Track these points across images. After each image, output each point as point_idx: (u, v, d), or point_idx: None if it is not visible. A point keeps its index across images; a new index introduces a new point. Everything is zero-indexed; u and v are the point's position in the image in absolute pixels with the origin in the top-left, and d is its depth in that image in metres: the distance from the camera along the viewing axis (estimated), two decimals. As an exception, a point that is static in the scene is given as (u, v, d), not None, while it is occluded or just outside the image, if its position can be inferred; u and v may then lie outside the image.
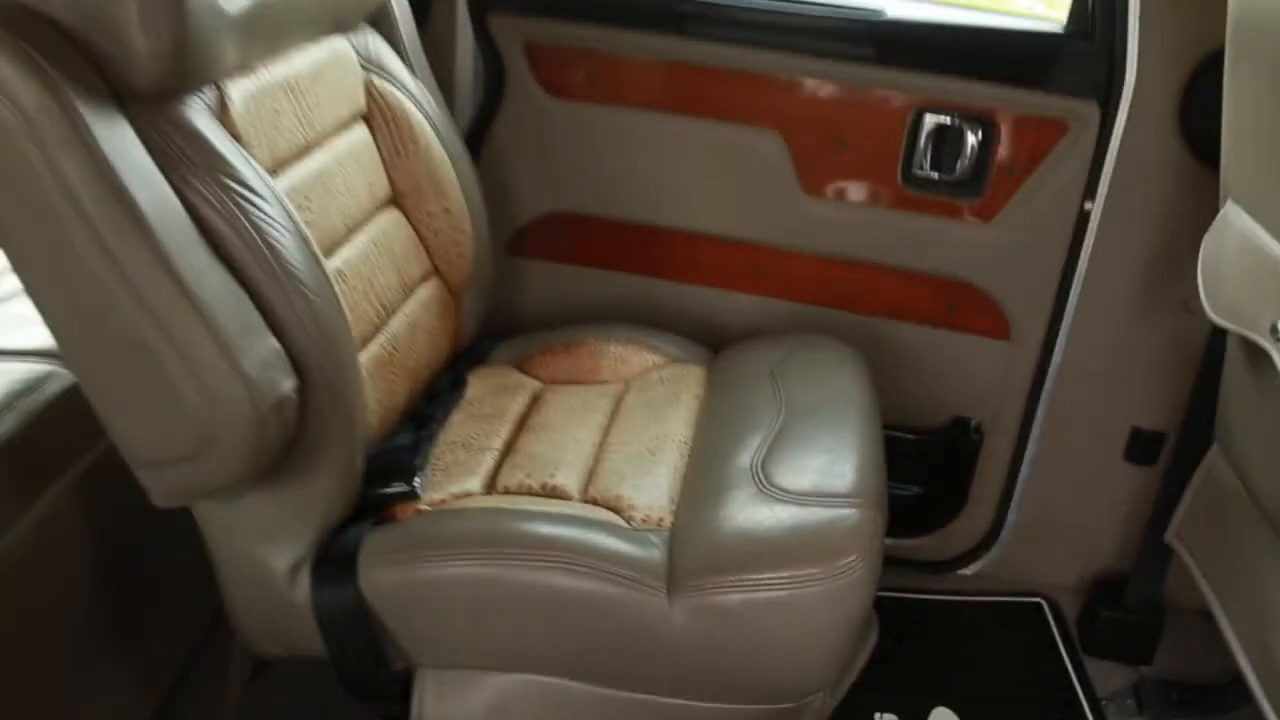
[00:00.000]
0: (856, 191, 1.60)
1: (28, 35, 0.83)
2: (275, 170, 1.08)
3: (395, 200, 1.34)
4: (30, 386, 1.15)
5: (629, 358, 1.46)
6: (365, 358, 1.17)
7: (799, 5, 1.54)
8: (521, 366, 1.47)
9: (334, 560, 1.08)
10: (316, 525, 1.07)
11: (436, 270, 1.39)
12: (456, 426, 1.29)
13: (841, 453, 1.19)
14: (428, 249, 1.37)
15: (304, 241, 1.00)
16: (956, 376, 1.68)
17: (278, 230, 0.97)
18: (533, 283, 1.75)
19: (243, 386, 0.91)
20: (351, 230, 1.21)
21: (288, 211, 1.00)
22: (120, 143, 0.87)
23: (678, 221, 1.67)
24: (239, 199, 0.95)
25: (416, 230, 1.36)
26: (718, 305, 1.70)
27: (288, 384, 0.96)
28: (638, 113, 1.61)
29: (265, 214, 0.96)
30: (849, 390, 1.34)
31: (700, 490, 1.16)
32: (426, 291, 1.35)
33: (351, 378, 1.06)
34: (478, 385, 1.39)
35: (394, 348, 1.24)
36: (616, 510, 1.14)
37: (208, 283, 0.90)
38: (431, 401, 1.32)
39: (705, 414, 1.33)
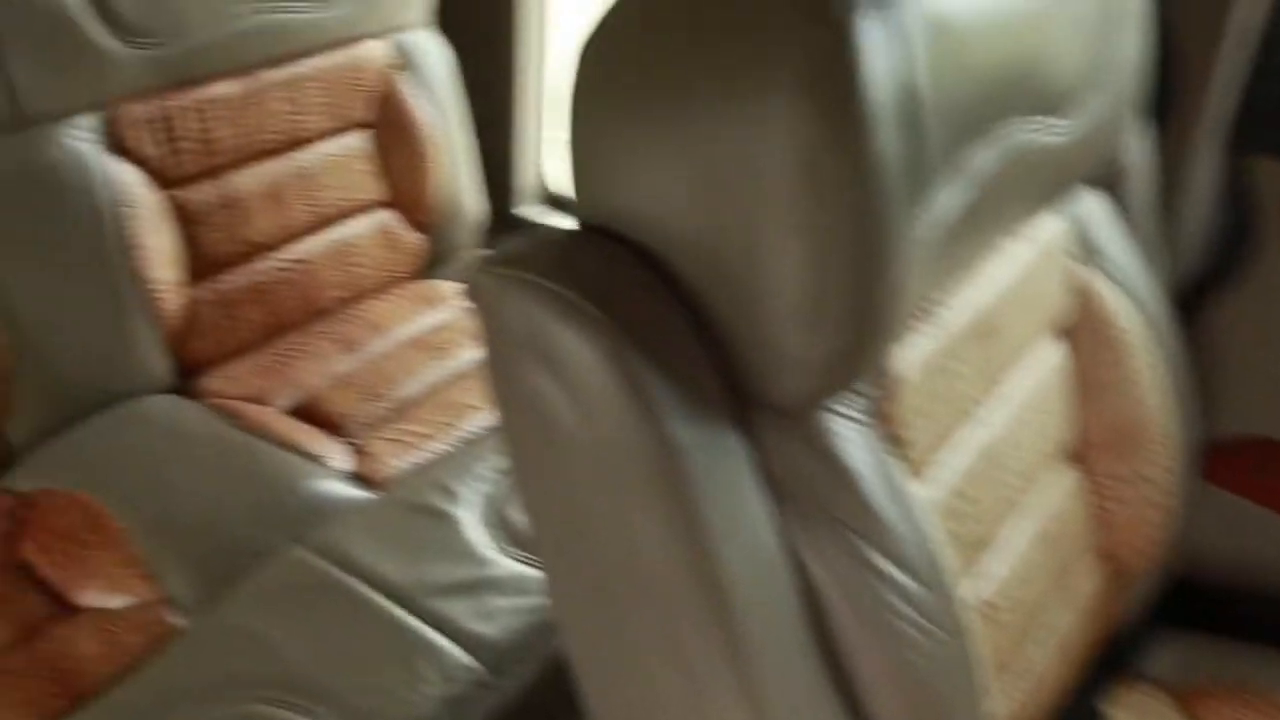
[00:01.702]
0: None
1: (627, 324, 0.55)
2: (928, 457, 0.72)
3: (1074, 455, 0.92)
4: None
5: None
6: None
7: None
8: (1184, 705, 0.99)
9: None
10: None
11: (1108, 553, 0.96)
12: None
13: None
14: (1102, 524, 0.94)
15: (958, 644, 0.65)
16: None
17: (920, 629, 0.63)
18: (1208, 513, 1.25)
19: None
20: (1009, 511, 0.82)
21: (942, 588, 0.65)
22: (722, 486, 0.58)
23: None
24: (873, 573, 0.62)
25: (1092, 497, 0.94)
26: None
27: None
28: None
29: (906, 597, 0.63)
30: None
31: None
32: (1086, 587, 0.93)
33: None
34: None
35: (1031, 700, 0.84)
36: None
37: (800, 705, 0.59)
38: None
39: None
